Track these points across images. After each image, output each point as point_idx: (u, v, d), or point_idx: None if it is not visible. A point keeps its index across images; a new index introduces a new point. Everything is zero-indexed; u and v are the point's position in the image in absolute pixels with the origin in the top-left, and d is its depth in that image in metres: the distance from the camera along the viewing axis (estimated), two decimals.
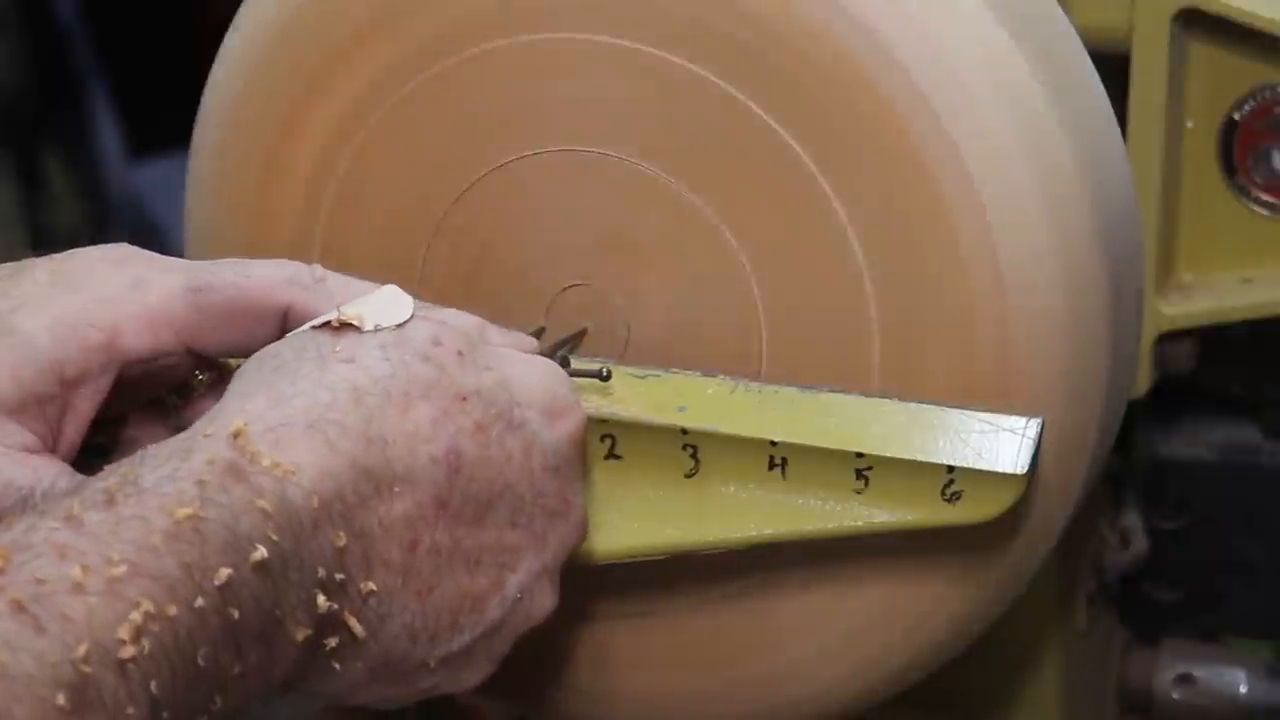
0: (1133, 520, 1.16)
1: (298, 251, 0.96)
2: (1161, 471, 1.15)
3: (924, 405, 0.84)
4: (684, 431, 0.85)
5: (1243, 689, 1.17)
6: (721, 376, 0.87)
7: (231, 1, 0.98)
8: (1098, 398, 0.91)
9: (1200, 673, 1.17)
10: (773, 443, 0.84)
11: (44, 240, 2.57)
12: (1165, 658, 1.19)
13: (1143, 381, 1.06)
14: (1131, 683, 1.19)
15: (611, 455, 0.86)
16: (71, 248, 0.84)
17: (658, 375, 0.87)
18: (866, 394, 0.85)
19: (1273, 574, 1.15)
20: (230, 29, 0.98)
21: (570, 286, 0.93)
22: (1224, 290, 1.06)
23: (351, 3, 0.93)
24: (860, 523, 0.84)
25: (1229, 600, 1.17)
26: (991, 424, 0.82)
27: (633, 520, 0.86)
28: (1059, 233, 0.88)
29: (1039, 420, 0.82)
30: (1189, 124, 1.06)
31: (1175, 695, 1.18)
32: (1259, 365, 1.14)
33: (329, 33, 0.93)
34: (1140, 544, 1.16)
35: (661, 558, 0.87)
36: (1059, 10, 0.93)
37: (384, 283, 0.81)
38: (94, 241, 0.84)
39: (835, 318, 0.89)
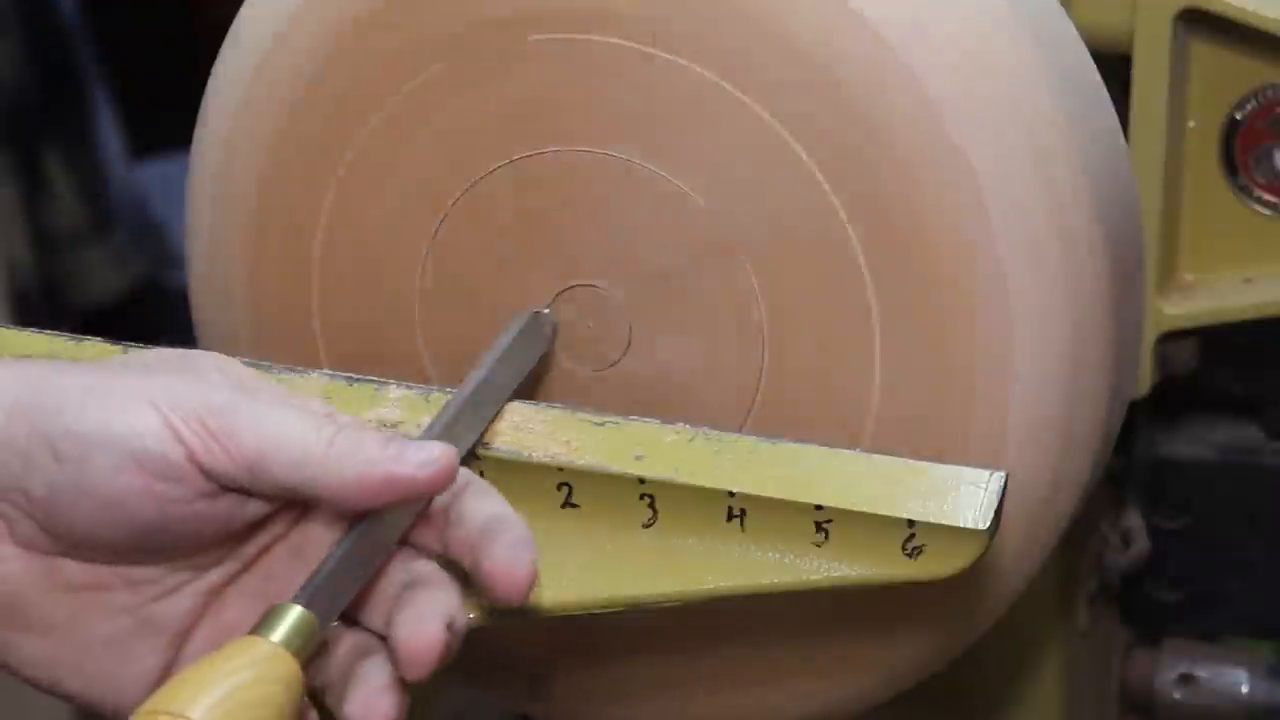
0: (1134, 520, 1.16)
1: (295, 257, 0.96)
2: (1163, 471, 1.15)
3: (885, 457, 0.81)
4: (641, 480, 0.82)
5: (1244, 689, 1.16)
6: (681, 425, 0.84)
7: (232, 1, 0.98)
8: (1100, 398, 0.91)
9: (1202, 673, 1.17)
10: (731, 493, 0.81)
11: (44, 240, 2.57)
12: (1167, 658, 1.18)
13: (1144, 382, 1.06)
14: (1133, 683, 1.19)
15: (568, 504, 0.83)
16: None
17: (615, 422, 0.84)
18: (827, 445, 0.83)
19: (1274, 574, 1.15)
20: (231, 29, 0.98)
21: (572, 286, 0.93)
22: (1226, 290, 1.06)
23: (352, 2, 0.93)
24: (820, 576, 0.81)
25: (1230, 600, 1.17)
26: (954, 477, 0.80)
27: (589, 572, 0.82)
28: (1061, 233, 0.88)
29: (1002, 474, 0.80)
30: (1190, 124, 1.06)
31: (1177, 695, 1.18)
32: (1260, 365, 1.14)
33: (329, 33, 0.93)
34: (1142, 544, 1.16)
35: (620, 610, 0.83)
36: (1062, 11, 0.93)
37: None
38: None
39: (836, 316, 0.89)
